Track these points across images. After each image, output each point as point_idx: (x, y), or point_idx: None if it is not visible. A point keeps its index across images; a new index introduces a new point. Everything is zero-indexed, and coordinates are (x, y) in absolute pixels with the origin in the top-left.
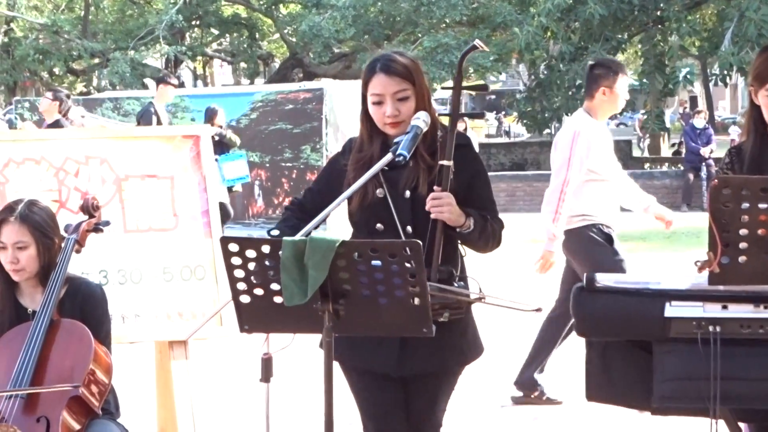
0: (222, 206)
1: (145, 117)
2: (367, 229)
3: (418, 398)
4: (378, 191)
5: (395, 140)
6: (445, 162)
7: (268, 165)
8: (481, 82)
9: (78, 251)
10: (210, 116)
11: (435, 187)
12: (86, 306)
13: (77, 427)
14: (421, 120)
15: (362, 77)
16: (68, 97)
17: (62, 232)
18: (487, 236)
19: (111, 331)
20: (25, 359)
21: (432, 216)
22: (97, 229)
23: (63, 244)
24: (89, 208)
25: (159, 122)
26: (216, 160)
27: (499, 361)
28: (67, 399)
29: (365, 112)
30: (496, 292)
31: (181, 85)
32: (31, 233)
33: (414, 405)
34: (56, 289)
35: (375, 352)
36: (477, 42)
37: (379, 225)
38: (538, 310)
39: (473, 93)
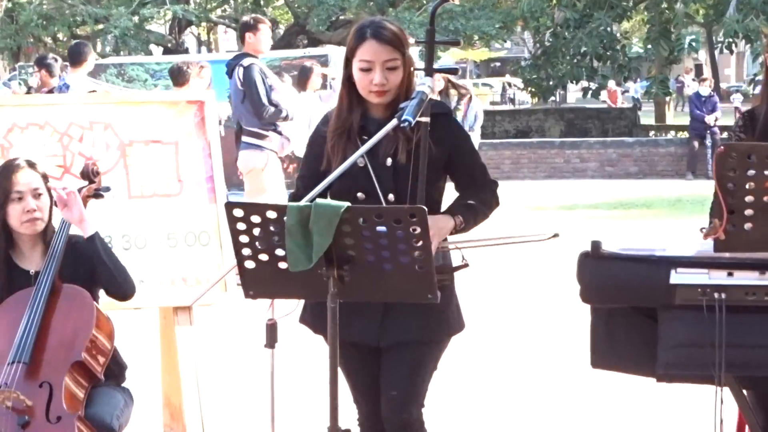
0: None
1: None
2: (347, 198)
3: (400, 367)
4: (358, 160)
5: (400, 105)
6: (423, 119)
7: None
8: (452, 38)
9: None
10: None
11: None
12: (83, 261)
13: (80, 392)
14: (427, 86)
15: (349, 42)
16: (56, 60)
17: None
18: (482, 217)
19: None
20: (27, 327)
21: None
22: (97, 194)
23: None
24: (89, 174)
25: None
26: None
27: (484, 342)
28: (69, 365)
29: (348, 78)
30: (500, 257)
31: (185, 51)
32: (42, 181)
33: (396, 374)
34: (57, 256)
35: (355, 324)
36: None
37: (360, 194)
38: (556, 235)
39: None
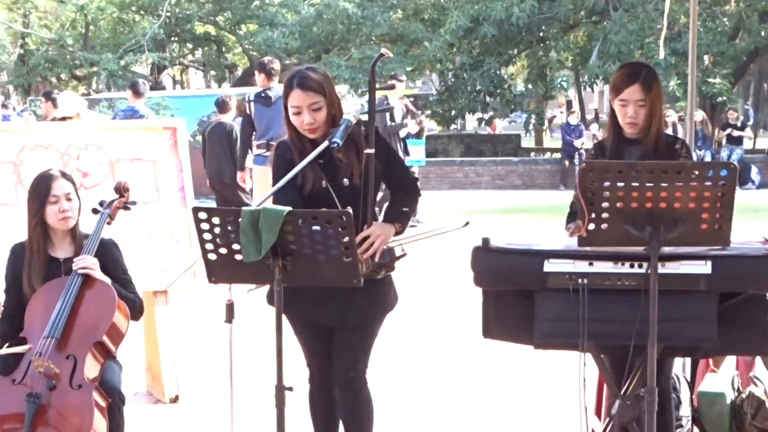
0: None
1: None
2: None
3: (352, 339)
4: (322, 183)
5: (331, 130)
6: (368, 150)
7: None
8: (391, 83)
9: (109, 223)
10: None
11: (361, 235)
12: (104, 254)
13: (98, 366)
14: (351, 115)
15: (283, 90)
16: (59, 94)
17: (98, 206)
18: (412, 214)
19: (125, 266)
20: (61, 308)
21: (369, 253)
22: (126, 207)
23: (98, 217)
24: (121, 190)
25: (392, 113)
26: (404, 140)
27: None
28: (92, 343)
29: (288, 118)
30: (417, 256)
31: (162, 88)
32: (74, 187)
33: (349, 344)
34: (90, 253)
35: (322, 308)
36: (383, 50)
37: (324, 209)
38: (467, 223)
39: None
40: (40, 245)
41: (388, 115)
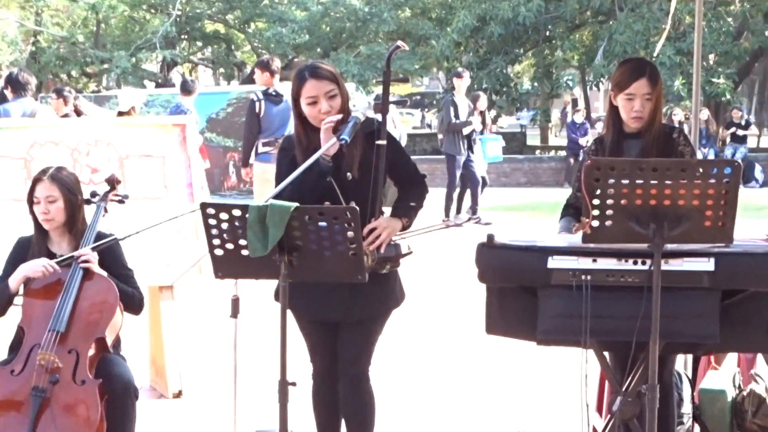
0: (482, 179)
1: (445, 105)
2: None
3: (356, 335)
4: (326, 177)
5: (339, 127)
6: (380, 141)
7: (239, 149)
8: (402, 76)
9: (103, 215)
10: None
11: (368, 227)
12: (103, 250)
13: (96, 361)
14: (360, 112)
15: (293, 86)
16: (70, 92)
17: (89, 197)
18: (419, 209)
19: (125, 260)
20: (64, 303)
21: (375, 245)
22: (121, 201)
23: (95, 210)
24: (113, 182)
25: (456, 109)
26: (480, 139)
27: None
28: (94, 338)
29: (299, 114)
30: (422, 252)
31: (172, 86)
32: (59, 189)
33: (352, 340)
34: (89, 245)
35: (327, 303)
36: (399, 42)
37: (327, 202)
38: (469, 219)
39: (403, 94)
40: (39, 240)
41: (452, 111)
